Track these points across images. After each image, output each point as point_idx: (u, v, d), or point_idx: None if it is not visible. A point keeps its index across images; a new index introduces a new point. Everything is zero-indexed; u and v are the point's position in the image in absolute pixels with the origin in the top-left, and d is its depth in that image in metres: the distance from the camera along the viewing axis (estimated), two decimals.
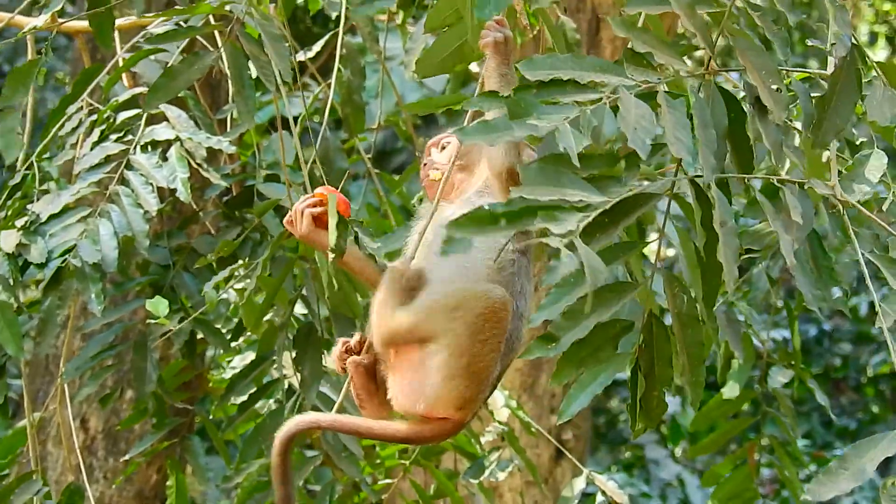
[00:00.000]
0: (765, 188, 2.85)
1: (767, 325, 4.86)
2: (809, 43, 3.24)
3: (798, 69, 3.12)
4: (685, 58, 2.90)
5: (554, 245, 2.53)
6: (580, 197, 2.62)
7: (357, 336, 3.19)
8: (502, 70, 3.14)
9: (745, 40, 2.84)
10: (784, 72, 2.95)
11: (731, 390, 5.01)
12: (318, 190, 3.26)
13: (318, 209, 3.20)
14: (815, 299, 2.89)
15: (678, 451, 11.62)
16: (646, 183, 2.72)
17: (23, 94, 4.22)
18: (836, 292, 3.47)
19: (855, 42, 2.97)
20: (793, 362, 5.10)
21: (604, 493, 4.77)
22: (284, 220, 3.27)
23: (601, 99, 2.72)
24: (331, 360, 3.23)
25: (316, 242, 3.25)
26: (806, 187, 2.86)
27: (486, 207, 2.56)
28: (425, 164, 3.30)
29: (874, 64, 3.16)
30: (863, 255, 2.89)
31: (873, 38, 12.85)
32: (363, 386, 3.14)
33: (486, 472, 4.86)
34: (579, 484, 4.87)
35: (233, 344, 4.73)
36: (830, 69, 2.99)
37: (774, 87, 2.80)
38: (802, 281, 2.90)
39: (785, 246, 2.74)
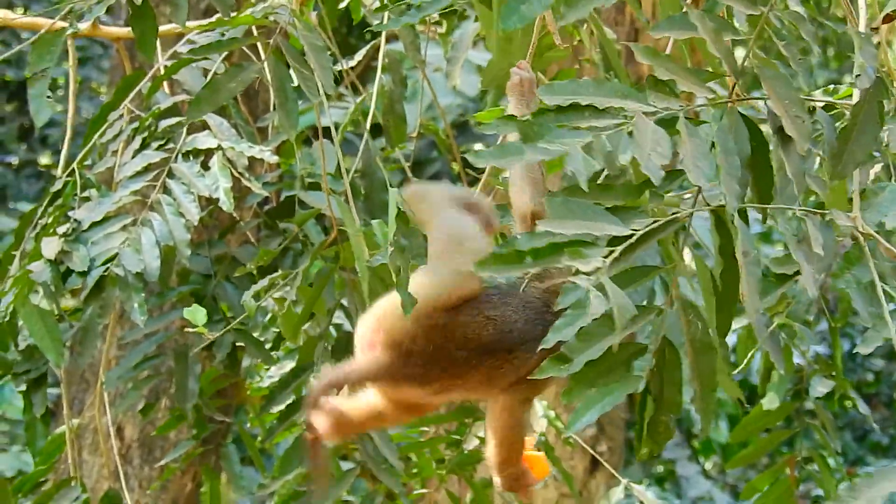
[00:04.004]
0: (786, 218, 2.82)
1: (808, 340, 4.82)
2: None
3: (821, 99, 3.08)
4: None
5: (582, 285, 2.53)
6: (606, 230, 2.61)
7: None
8: (521, 110, 3.13)
9: (769, 69, 2.80)
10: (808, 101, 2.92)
11: (770, 402, 4.97)
12: None
13: None
14: (870, 317, 2.86)
15: (709, 466, 11.57)
16: (671, 210, 2.70)
17: (48, 60, 4.10)
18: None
19: (880, 74, 2.93)
20: (833, 373, 5.05)
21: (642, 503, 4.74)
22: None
23: (619, 124, 2.69)
24: None
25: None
26: (827, 218, 2.83)
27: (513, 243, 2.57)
28: None
29: None
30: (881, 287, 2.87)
31: None
32: None
33: None
34: (617, 495, 4.84)
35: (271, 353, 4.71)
36: (855, 99, 2.95)
37: (798, 117, 2.78)
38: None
39: (807, 277, 2.71)
